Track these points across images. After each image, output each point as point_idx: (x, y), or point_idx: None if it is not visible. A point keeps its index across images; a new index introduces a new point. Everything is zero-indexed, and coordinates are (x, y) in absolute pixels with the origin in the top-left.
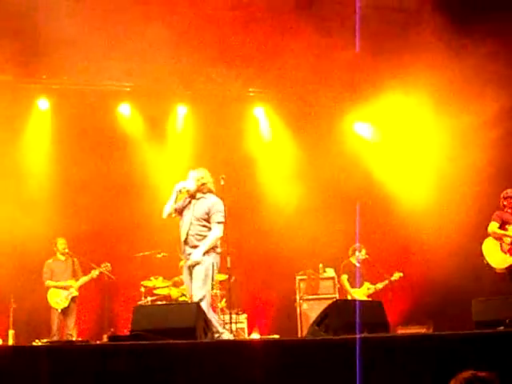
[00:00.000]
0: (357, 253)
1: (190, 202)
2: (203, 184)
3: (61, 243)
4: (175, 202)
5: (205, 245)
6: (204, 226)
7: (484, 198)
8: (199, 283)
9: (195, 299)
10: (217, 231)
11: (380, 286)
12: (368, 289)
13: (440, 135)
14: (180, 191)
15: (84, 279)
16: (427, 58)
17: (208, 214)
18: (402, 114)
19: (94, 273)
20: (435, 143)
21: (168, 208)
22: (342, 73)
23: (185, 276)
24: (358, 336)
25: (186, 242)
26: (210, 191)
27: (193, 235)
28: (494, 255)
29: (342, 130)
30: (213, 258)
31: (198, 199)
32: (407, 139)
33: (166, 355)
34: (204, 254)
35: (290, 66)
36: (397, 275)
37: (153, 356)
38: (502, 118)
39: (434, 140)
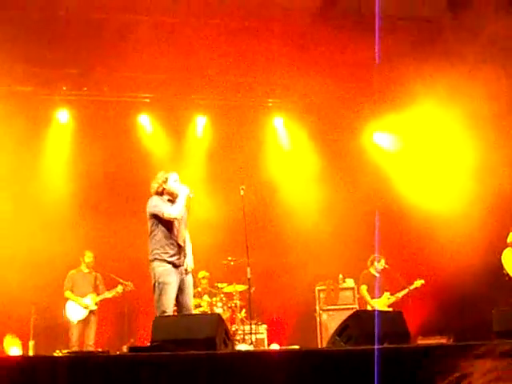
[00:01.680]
0: (376, 263)
1: None
2: None
3: (88, 256)
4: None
5: (191, 251)
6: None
7: (508, 209)
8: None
9: (192, 308)
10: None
11: (400, 295)
12: (388, 298)
13: (462, 147)
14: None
15: (106, 295)
16: (449, 69)
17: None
18: (422, 125)
19: (117, 290)
20: (457, 155)
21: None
22: (363, 83)
23: (177, 283)
24: (376, 347)
25: (182, 249)
26: None
27: (185, 242)
28: None
29: (362, 141)
30: None
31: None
32: (428, 149)
33: (186, 366)
34: None
35: (309, 77)
36: (418, 283)
37: (173, 367)
38: None
39: (456, 152)
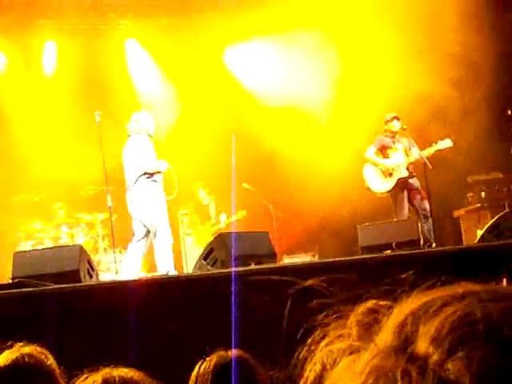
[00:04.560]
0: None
1: None
2: None
3: None
4: None
5: None
6: None
7: (373, 122)
8: None
9: None
10: None
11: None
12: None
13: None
14: None
15: None
16: None
17: None
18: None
19: None
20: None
21: None
22: None
23: None
24: (233, 270)
25: None
26: None
27: None
28: (375, 180)
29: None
30: None
31: None
32: None
33: (51, 301)
34: None
35: None
36: (240, 214)
37: (37, 303)
38: None
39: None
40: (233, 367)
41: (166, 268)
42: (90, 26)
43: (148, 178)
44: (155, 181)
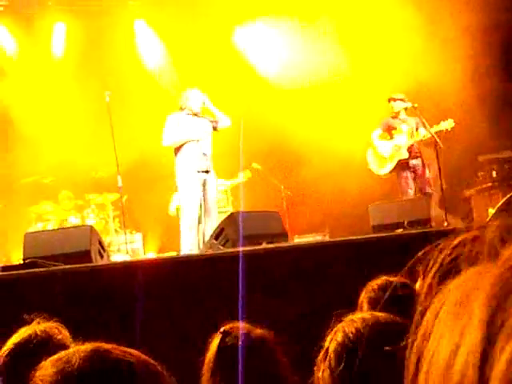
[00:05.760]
0: None
1: None
2: None
3: None
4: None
5: None
6: None
7: (384, 104)
8: None
9: None
10: None
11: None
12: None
13: None
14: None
15: None
16: None
17: None
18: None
19: None
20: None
21: None
22: None
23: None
24: (240, 249)
25: None
26: None
27: None
28: (376, 163)
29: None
30: None
31: None
32: None
33: (64, 281)
34: None
35: None
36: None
37: (49, 282)
38: None
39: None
40: (240, 343)
41: (183, 251)
42: (99, 7)
43: (176, 154)
44: (183, 156)
